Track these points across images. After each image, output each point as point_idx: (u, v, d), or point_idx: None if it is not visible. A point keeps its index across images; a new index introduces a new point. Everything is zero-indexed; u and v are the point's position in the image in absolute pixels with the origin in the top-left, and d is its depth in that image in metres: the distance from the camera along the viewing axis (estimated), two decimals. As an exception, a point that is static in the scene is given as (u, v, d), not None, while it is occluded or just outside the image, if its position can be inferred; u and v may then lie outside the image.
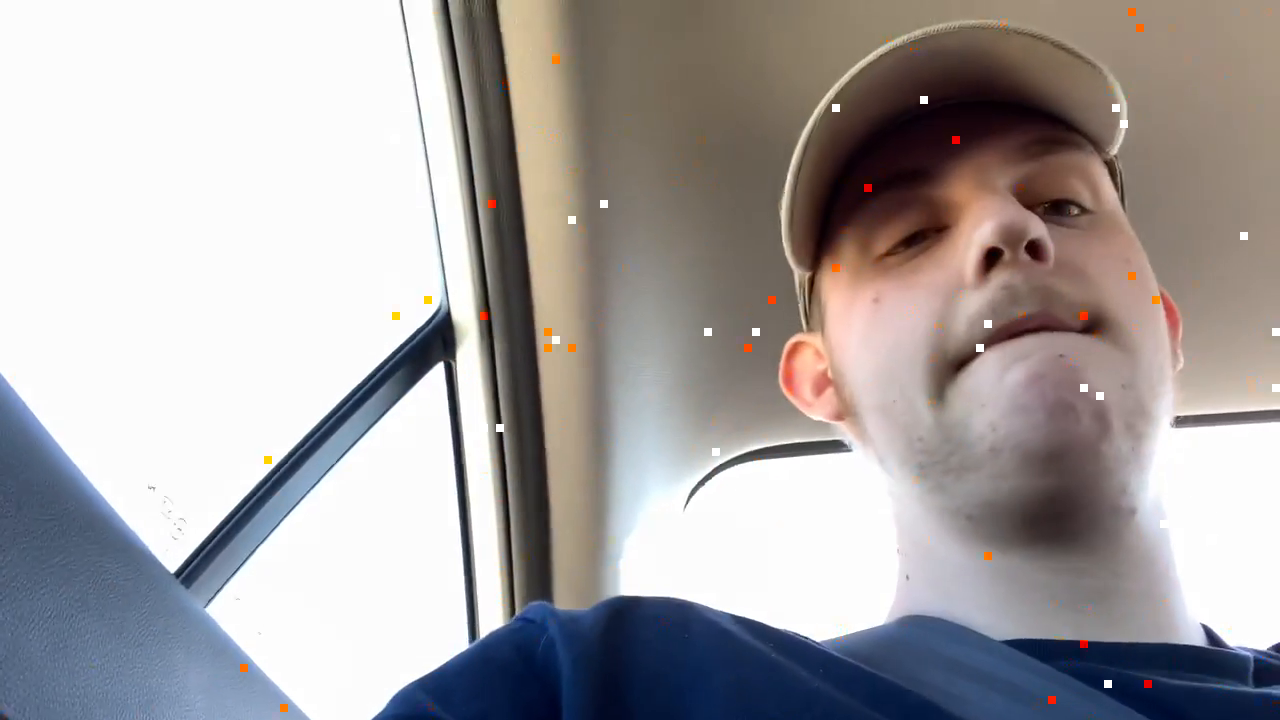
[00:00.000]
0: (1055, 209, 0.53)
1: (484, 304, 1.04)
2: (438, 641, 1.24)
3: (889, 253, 0.55)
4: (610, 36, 0.91)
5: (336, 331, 1.06)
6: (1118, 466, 0.47)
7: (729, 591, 1.66)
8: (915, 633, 0.50)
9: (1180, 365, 0.56)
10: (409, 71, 0.94)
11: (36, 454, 0.58)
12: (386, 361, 1.02)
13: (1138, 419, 0.47)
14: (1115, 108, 0.52)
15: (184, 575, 0.76)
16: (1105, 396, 0.46)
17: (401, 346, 1.04)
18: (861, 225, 0.56)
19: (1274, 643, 0.54)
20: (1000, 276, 0.49)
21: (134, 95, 0.80)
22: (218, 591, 0.78)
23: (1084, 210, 0.54)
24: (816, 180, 0.56)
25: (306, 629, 1.03)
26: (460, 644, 1.18)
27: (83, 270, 0.77)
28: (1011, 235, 0.48)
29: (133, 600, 0.61)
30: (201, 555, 0.77)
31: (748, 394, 1.20)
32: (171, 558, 0.74)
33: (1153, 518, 0.50)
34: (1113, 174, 0.57)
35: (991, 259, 0.49)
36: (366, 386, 0.99)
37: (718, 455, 1.31)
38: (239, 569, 0.81)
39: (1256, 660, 0.49)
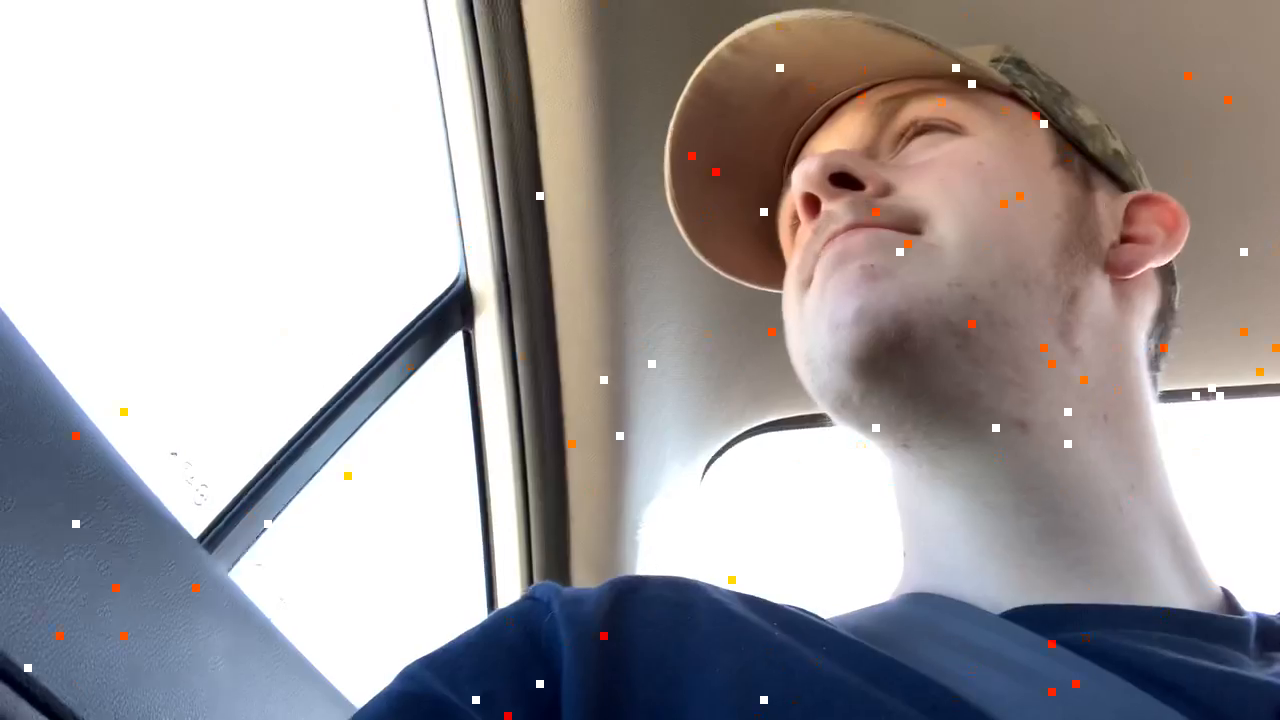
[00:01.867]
0: (915, 136, 0.57)
1: (502, 273, 1.04)
2: (456, 611, 1.24)
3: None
4: (631, 4, 0.90)
5: (357, 299, 1.06)
6: (946, 367, 0.48)
7: (745, 564, 1.66)
8: (915, 610, 0.51)
9: (1166, 258, 0.56)
10: (428, 41, 0.93)
11: (61, 420, 0.59)
12: (405, 330, 1.02)
13: (966, 317, 0.48)
14: (956, 65, 0.56)
15: (206, 541, 0.76)
16: (919, 296, 0.48)
17: (420, 315, 1.04)
18: (787, 211, 0.63)
19: None
20: (824, 209, 0.54)
21: (162, 67, 0.80)
22: (240, 557, 0.79)
23: (951, 132, 0.56)
24: (761, 181, 0.64)
25: (327, 596, 1.04)
26: (478, 613, 1.18)
27: (109, 238, 0.77)
28: (810, 179, 0.53)
29: (157, 564, 0.62)
30: (224, 521, 0.78)
31: (766, 364, 1.20)
32: (194, 523, 0.75)
33: (1074, 443, 0.50)
34: (1022, 102, 0.59)
35: (815, 203, 0.54)
36: (386, 355, 1.00)
37: (736, 425, 1.31)
38: (260, 535, 0.82)
39: (1262, 623, 0.49)
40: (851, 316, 0.49)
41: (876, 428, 0.53)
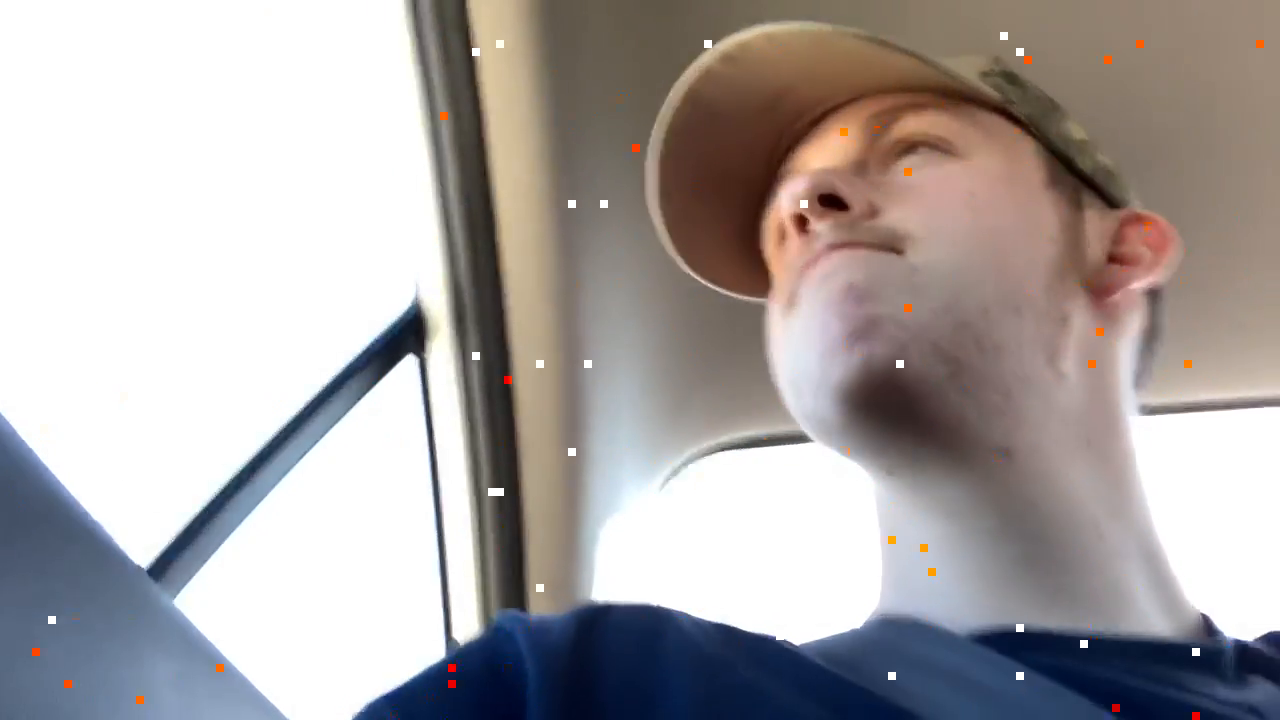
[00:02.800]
0: (904, 153, 0.57)
1: (456, 296, 1.03)
2: (411, 637, 1.23)
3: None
4: (581, 26, 0.90)
5: (307, 325, 1.05)
6: (935, 395, 0.48)
7: (707, 586, 1.66)
8: (886, 634, 0.51)
9: (1153, 279, 0.56)
10: (377, 63, 0.93)
11: (1, 448, 0.57)
12: (358, 355, 1.01)
13: (957, 345, 0.48)
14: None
15: (152, 569, 0.74)
16: (903, 321, 0.48)
17: (373, 340, 1.03)
18: (773, 226, 0.62)
19: (1264, 633, 0.54)
20: (810, 229, 0.53)
21: (102, 81, 0.79)
22: (186, 585, 0.77)
23: (944, 152, 0.56)
24: (745, 192, 0.63)
25: (279, 624, 1.02)
26: (435, 636, 1.17)
27: (45, 258, 0.76)
28: (797, 199, 0.53)
29: (99, 592, 0.60)
30: (170, 550, 0.76)
31: (724, 384, 1.20)
32: (140, 552, 0.73)
33: (1057, 469, 0.50)
34: (1013, 118, 0.59)
35: (805, 221, 0.53)
36: (337, 381, 0.98)
37: (694, 445, 1.31)
38: (206, 563, 0.80)
39: (1240, 650, 0.48)
40: (840, 343, 0.48)
41: (859, 455, 0.53)
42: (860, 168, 0.57)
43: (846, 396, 0.48)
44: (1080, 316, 0.53)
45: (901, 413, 0.49)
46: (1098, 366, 0.54)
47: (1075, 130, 0.61)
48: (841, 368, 0.48)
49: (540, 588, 1.16)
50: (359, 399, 1.02)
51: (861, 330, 0.48)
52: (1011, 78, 0.61)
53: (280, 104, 0.96)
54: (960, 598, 0.49)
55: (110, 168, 0.81)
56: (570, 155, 0.94)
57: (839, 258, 0.51)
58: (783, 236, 0.60)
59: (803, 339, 0.52)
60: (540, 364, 1.06)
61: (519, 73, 0.89)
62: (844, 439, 0.51)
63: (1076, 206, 0.57)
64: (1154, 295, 0.60)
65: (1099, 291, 0.55)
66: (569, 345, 1.06)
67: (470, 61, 0.89)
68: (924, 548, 0.52)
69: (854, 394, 0.48)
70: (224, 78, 0.90)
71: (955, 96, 0.58)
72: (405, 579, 1.20)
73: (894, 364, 0.47)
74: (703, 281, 0.67)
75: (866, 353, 0.48)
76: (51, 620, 0.56)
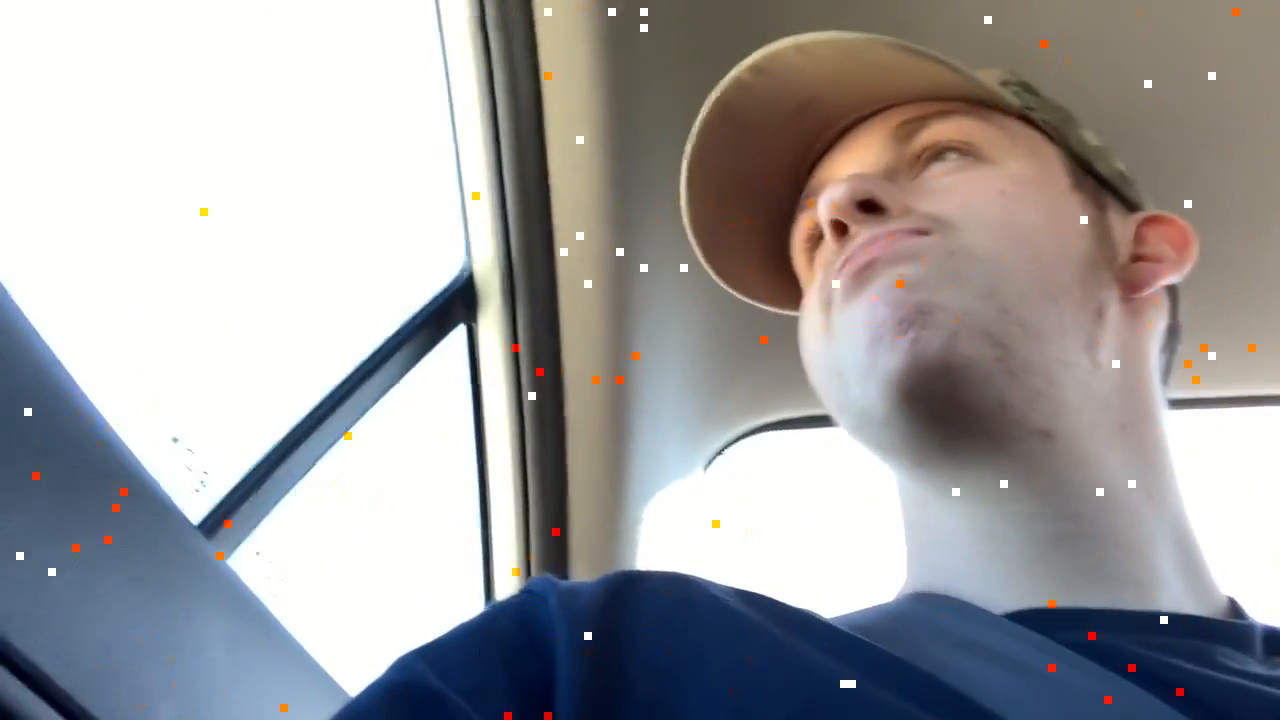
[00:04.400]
0: (933, 160, 0.57)
1: (507, 267, 1.04)
2: (453, 607, 1.24)
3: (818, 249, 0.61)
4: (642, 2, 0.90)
5: (362, 291, 1.06)
6: (982, 379, 0.48)
7: (747, 563, 1.66)
8: (918, 609, 0.51)
9: (1177, 276, 0.57)
10: (437, 31, 0.93)
11: (65, 405, 0.59)
12: (409, 322, 1.02)
13: (1004, 329, 0.48)
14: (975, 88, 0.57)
15: (206, 528, 0.76)
16: (951, 306, 0.48)
17: (423, 308, 1.04)
18: (802, 233, 0.63)
19: None
20: (850, 233, 0.54)
21: (170, 61, 0.80)
22: (239, 545, 0.79)
23: (972, 157, 0.57)
24: (771, 201, 0.64)
25: (325, 586, 1.04)
26: (475, 608, 1.18)
27: (118, 228, 0.78)
28: (838, 206, 0.53)
29: (156, 551, 0.62)
30: (223, 509, 0.78)
31: (770, 363, 1.19)
32: (194, 511, 0.75)
33: (1094, 452, 0.51)
34: (1034, 124, 0.59)
35: (843, 229, 0.54)
36: (388, 348, 1.00)
37: (738, 424, 1.31)
38: (259, 524, 0.82)
39: (1268, 632, 0.49)
40: (890, 330, 0.49)
41: (898, 446, 0.52)
42: (891, 175, 0.57)
43: (898, 384, 0.48)
44: (1113, 309, 0.54)
45: (949, 398, 0.49)
46: (1131, 358, 0.54)
47: (1091, 137, 0.62)
48: (893, 355, 0.48)
49: (581, 562, 1.17)
50: (410, 367, 1.03)
51: (910, 317, 0.49)
52: (1028, 87, 0.62)
53: (344, 77, 0.97)
54: (992, 579, 0.50)
55: (174, 145, 0.82)
56: (625, 130, 0.93)
57: (881, 248, 0.52)
58: (812, 243, 0.61)
59: (847, 330, 0.52)
60: (588, 340, 1.06)
61: (578, 44, 0.88)
62: (888, 428, 0.51)
63: (1100, 208, 0.58)
64: (1174, 298, 0.60)
65: (1129, 288, 0.55)
66: (618, 319, 1.06)
67: (530, 32, 0.89)
68: (955, 534, 0.52)
69: (906, 381, 0.48)
70: (290, 54, 0.91)
71: (977, 104, 0.58)
72: (449, 549, 1.22)
73: (945, 349, 0.48)
74: (729, 289, 0.68)
75: (918, 339, 0.48)
76: (110, 576, 0.58)
